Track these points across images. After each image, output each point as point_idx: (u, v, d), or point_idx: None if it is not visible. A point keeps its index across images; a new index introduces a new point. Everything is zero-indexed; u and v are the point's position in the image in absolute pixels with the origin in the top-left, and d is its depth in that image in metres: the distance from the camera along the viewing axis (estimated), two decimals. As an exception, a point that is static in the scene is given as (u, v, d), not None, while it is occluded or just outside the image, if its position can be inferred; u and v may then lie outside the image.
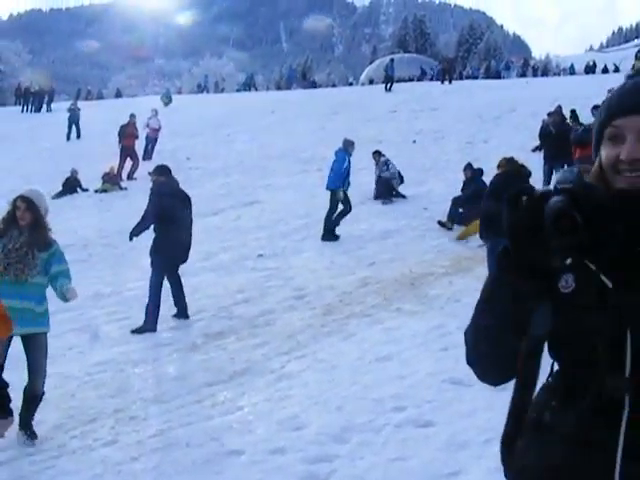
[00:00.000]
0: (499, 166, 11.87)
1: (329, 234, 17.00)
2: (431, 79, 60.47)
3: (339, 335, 10.50)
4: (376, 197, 20.85)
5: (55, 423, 8.14)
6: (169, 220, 11.76)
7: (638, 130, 2.03)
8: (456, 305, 11.17)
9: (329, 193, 17.25)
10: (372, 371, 8.76)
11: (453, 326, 9.69)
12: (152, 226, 12.14)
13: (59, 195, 25.53)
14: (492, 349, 2.15)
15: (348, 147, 17.89)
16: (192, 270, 15.08)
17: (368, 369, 8.86)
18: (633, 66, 41.69)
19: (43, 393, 7.56)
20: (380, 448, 6.58)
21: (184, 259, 12.35)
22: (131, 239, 12.57)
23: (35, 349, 7.41)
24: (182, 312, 12.16)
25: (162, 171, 12.67)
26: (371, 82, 65.24)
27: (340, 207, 17.21)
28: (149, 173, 13.95)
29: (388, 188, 20.79)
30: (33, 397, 7.46)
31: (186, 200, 12.38)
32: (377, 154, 21.80)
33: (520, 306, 2.05)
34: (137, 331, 11.45)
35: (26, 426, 7.43)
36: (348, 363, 9.23)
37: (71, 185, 26.89)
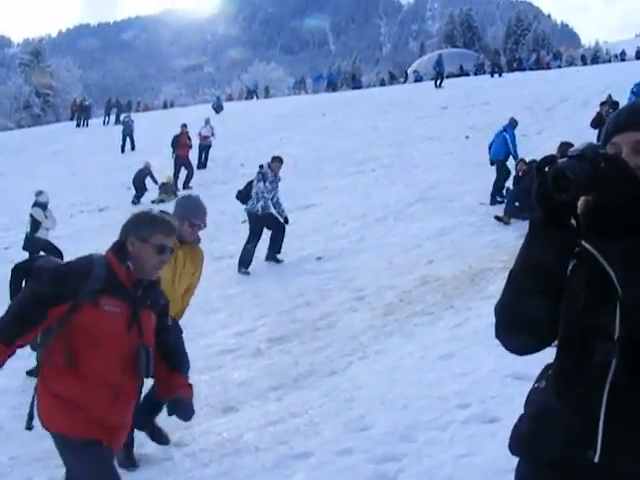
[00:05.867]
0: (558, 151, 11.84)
1: (494, 200, 18.91)
2: (476, 73, 60.35)
3: (401, 335, 10.54)
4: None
5: (126, 432, 8.29)
6: None
7: (631, 143, 2.37)
8: (516, 299, 11.13)
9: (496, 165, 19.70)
10: (435, 369, 8.77)
11: (514, 320, 9.64)
12: None
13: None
14: (528, 312, 2.46)
15: (514, 124, 20.67)
16: (252, 276, 15.24)
17: (431, 367, 8.88)
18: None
19: None
20: (447, 445, 6.61)
21: None
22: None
23: None
24: None
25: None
26: (420, 80, 64.87)
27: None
28: None
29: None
30: None
31: None
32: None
33: (555, 260, 2.38)
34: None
35: None
36: (411, 362, 9.26)
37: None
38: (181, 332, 7.60)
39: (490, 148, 19.99)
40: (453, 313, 11.10)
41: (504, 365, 8.19)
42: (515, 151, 19.51)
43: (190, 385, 5.11)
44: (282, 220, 16.33)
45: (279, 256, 16.31)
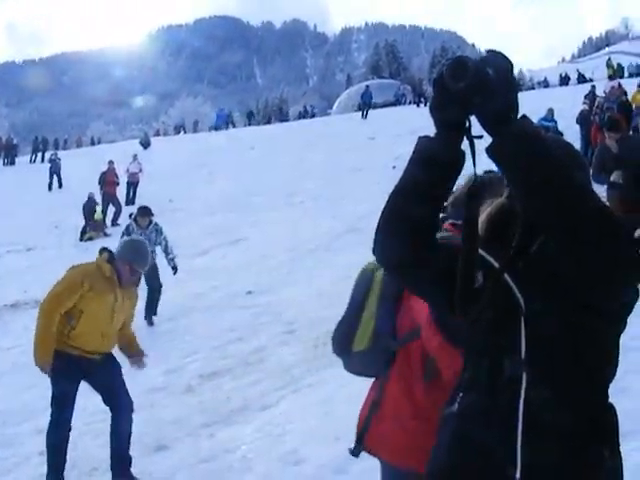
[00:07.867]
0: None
1: None
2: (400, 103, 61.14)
3: (332, 367, 10.48)
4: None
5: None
6: None
7: None
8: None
9: None
10: (367, 400, 8.78)
11: (445, 349, 9.69)
12: None
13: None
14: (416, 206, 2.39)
15: None
16: (182, 311, 15.13)
17: (363, 399, 8.89)
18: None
19: None
20: (379, 475, 6.63)
21: None
22: None
23: None
24: None
25: None
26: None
27: None
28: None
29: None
30: None
31: None
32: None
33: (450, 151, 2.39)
34: None
35: None
36: (343, 394, 9.25)
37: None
38: (120, 368, 7.69)
39: None
40: (384, 343, 11.11)
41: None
42: None
43: None
44: (171, 268, 15.18)
45: (155, 318, 14.82)
